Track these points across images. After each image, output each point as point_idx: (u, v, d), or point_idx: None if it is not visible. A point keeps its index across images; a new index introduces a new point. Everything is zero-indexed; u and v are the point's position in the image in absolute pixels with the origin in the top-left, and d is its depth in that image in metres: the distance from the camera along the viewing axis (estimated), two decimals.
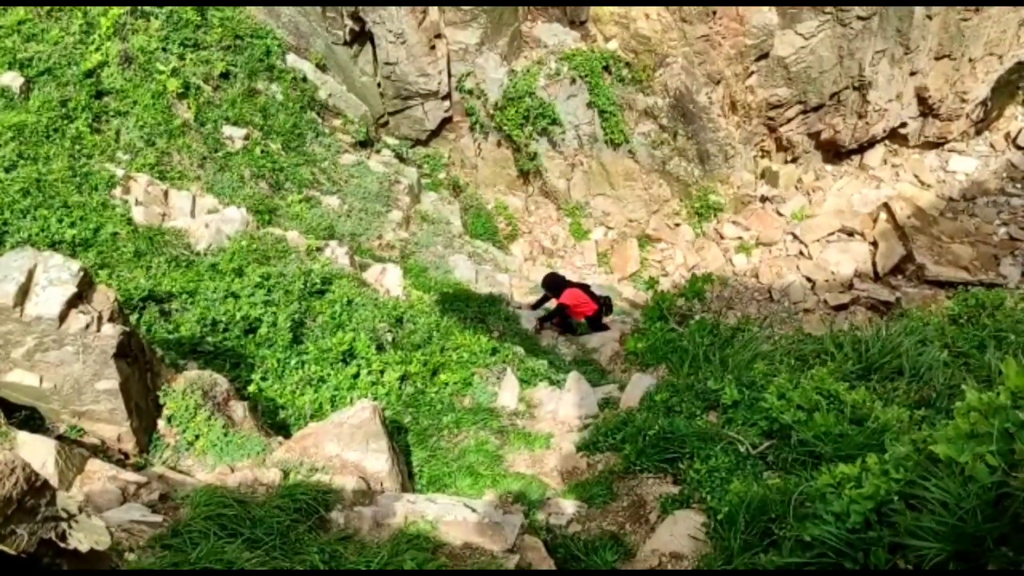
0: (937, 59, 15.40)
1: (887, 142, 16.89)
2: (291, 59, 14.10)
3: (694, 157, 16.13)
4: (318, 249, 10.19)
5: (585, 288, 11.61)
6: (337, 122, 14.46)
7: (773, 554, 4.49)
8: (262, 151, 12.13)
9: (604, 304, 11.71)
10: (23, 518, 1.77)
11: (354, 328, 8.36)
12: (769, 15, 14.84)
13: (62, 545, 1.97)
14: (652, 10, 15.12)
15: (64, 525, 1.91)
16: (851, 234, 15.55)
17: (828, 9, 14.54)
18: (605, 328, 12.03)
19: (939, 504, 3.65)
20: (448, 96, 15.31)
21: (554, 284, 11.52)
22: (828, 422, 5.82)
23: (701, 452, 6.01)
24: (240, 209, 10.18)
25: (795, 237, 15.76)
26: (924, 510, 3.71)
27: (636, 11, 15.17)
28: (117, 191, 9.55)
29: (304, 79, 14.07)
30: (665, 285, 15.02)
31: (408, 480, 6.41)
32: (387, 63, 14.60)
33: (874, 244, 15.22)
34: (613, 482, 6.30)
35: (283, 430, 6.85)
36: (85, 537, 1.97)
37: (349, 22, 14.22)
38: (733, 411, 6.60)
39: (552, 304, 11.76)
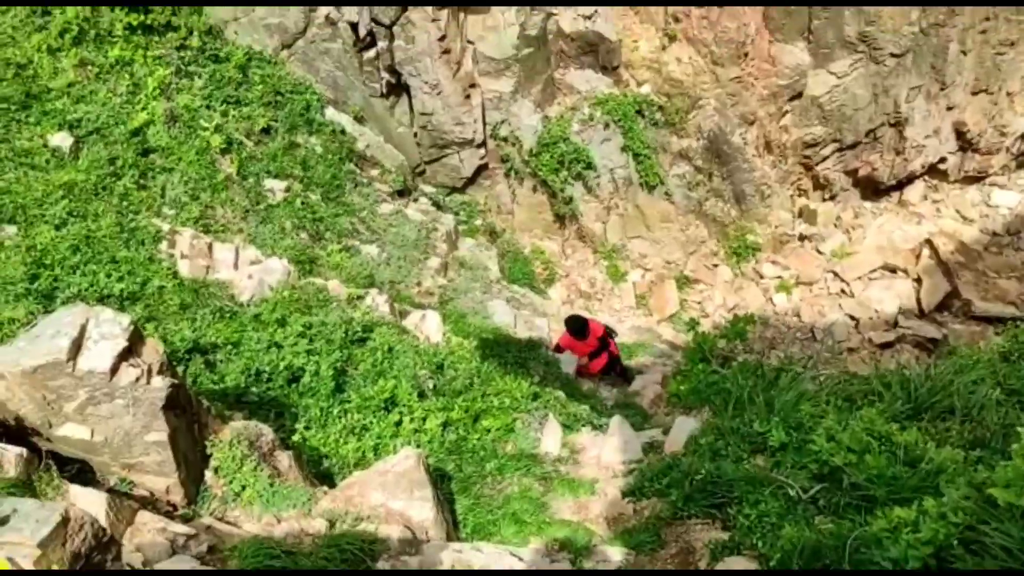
0: (974, 94, 15.29)
1: (926, 178, 16.73)
2: (330, 112, 14.41)
3: (730, 197, 16.10)
4: (358, 297, 10.29)
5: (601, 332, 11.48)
6: (375, 172, 14.69)
7: None
8: (302, 202, 12.35)
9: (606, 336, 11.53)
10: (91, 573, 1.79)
11: (395, 375, 8.39)
12: (801, 55, 14.88)
13: None
14: (683, 53, 15.24)
15: None
16: (894, 271, 15.34)
17: (861, 48, 14.54)
18: (622, 374, 12.09)
19: (1001, 549, 3.55)
20: (483, 144, 15.50)
21: (575, 327, 11.28)
22: (880, 464, 5.69)
23: (750, 496, 5.90)
24: (282, 260, 10.35)
25: (836, 275, 15.58)
26: (986, 555, 3.61)
27: (667, 55, 15.31)
28: (163, 245, 9.76)
29: (343, 131, 14.35)
30: (705, 326, 14.90)
31: (453, 528, 6.37)
32: (423, 113, 14.85)
33: (918, 281, 14.99)
34: (660, 528, 6.20)
35: (327, 479, 6.86)
36: None
37: (386, 75, 14.52)
38: (781, 454, 6.49)
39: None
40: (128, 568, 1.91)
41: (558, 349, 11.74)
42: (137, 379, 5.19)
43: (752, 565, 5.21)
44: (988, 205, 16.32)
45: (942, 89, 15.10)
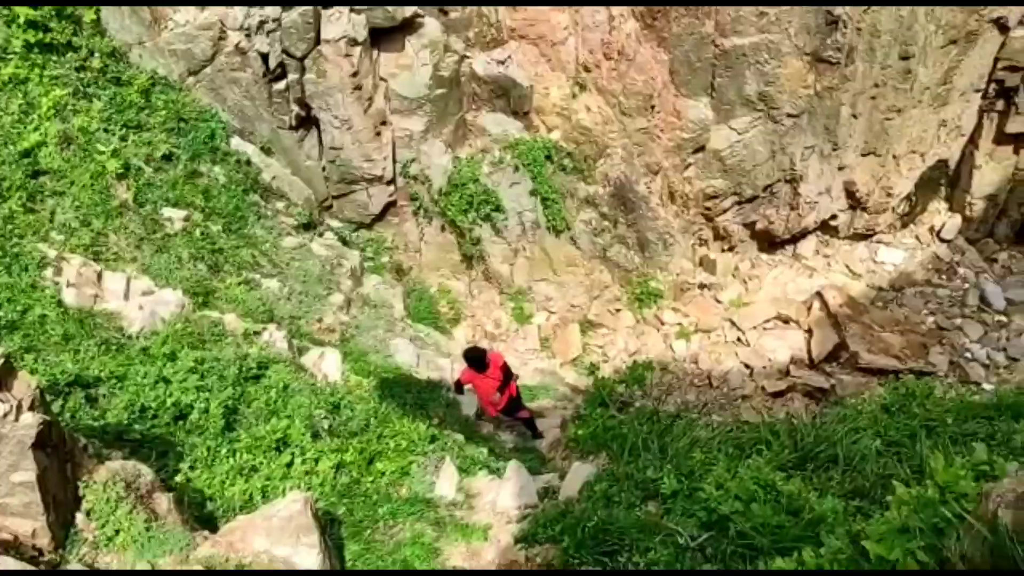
0: (864, 155, 16.10)
1: (819, 233, 17.47)
2: (235, 142, 14.10)
3: (634, 244, 16.45)
4: (255, 333, 10.02)
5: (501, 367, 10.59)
6: (280, 204, 14.42)
7: None
8: (202, 233, 11.99)
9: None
10: None
11: (289, 415, 8.17)
12: (704, 110, 15.41)
13: None
14: (593, 103, 15.59)
15: None
16: (787, 321, 15.91)
17: (760, 106, 15.17)
18: (531, 427, 11.52)
19: None
20: (393, 181, 15.44)
21: (472, 357, 10.34)
22: (765, 513, 5.83)
23: (640, 544, 5.96)
24: (176, 291, 10.01)
25: (733, 324, 16.04)
26: None
27: (577, 103, 15.63)
28: (48, 272, 9.32)
29: (248, 162, 14.05)
30: (606, 370, 15.10)
31: None
32: (332, 148, 14.71)
33: (809, 332, 15.57)
34: None
35: (210, 523, 6.58)
36: None
37: (295, 107, 14.34)
38: (672, 501, 6.58)
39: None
40: None
41: (459, 387, 11.12)
42: (5, 415, 4.91)
43: None
44: (875, 261, 17.15)
45: (834, 150, 15.86)
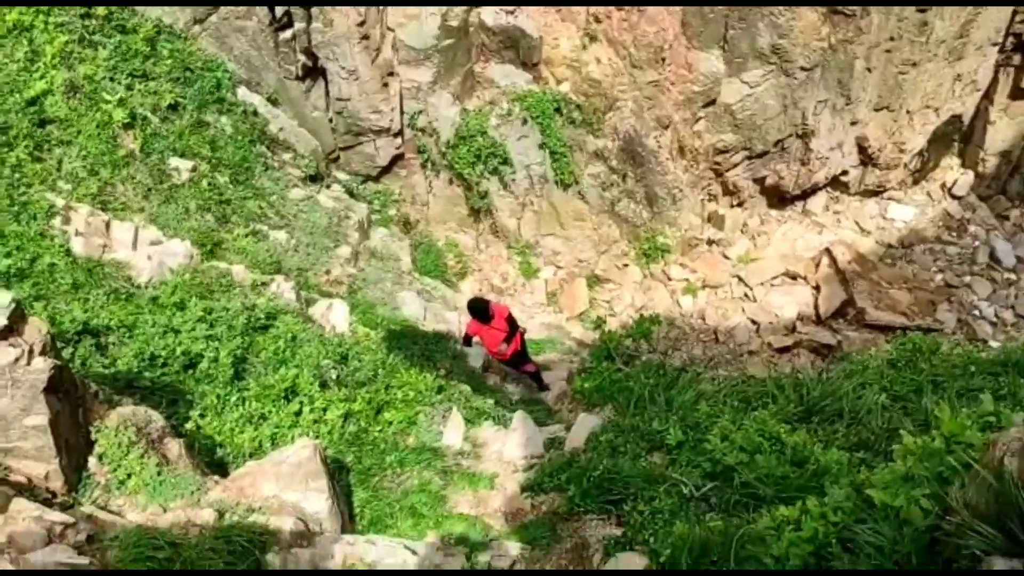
0: (876, 110, 15.91)
1: (829, 189, 17.34)
2: (242, 92, 13.99)
3: (643, 199, 16.35)
4: (263, 284, 10.04)
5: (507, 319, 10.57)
6: (287, 156, 14.35)
7: None
8: (209, 184, 11.96)
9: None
10: None
11: (298, 365, 8.23)
12: (716, 63, 15.21)
13: None
14: (603, 54, 15.39)
15: None
16: (795, 278, 15.86)
17: (773, 59, 14.96)
18: (537, 380, 11.50)
19: (874, 548, 3.69)
20: (400, 133, 15.33)
21: (476, 309, 10.37)
22: (770, 464, 5.87)
23: (645, 494, 6.02)
24: (184, 242, 10.01)
25: (740, 280, 16.01)
26: (861, 554, 3.75)
27: (587, 55, 15.43)
28: (56, 221, 9.31)
29: (255, 112, 13.95)
30: (613, 325, 15.11)
31: (349, 521, 6.28)
32: (339, 99, 14.58)
33: (817, 288, 15.54)
34: (557, 524, 6.27)
35: (220, 469, 6.67)
36: None
37: (302, 57, 14.19)
38: (677, 452, 6.63)
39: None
40: None
41: (467, 340, 11.17)
42: (17, 359, 4.95)
43: (643, 561, 5.30)
44: (885, 218, 17.03)
45: (847, 104, 15.66)
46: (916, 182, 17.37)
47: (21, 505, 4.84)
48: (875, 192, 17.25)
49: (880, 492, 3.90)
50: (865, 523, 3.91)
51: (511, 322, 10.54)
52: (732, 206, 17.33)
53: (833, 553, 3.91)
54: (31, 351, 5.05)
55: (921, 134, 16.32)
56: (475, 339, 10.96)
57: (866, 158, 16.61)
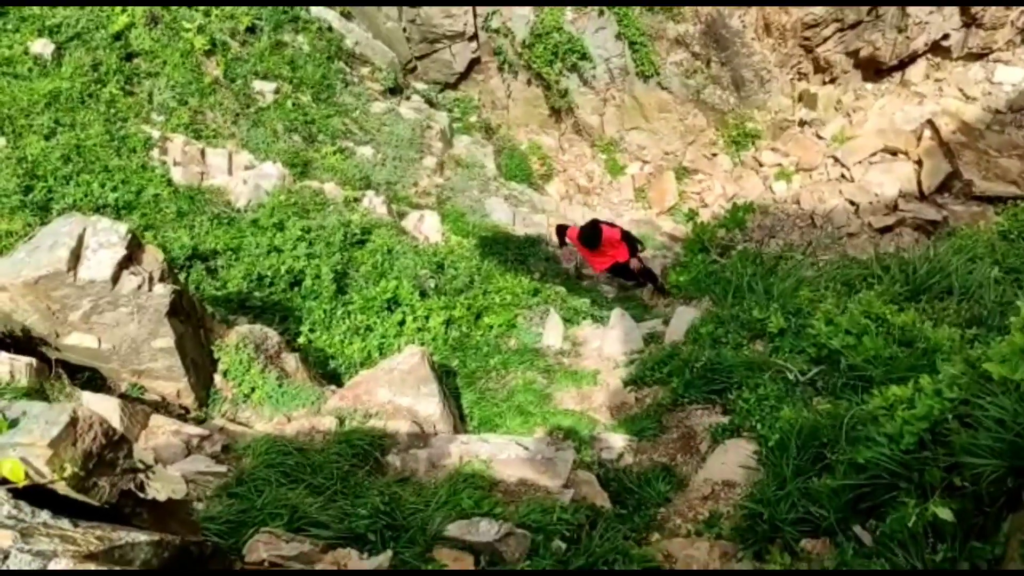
0: None
1: (929, 56, 16.29)
2: (315, 10, 13.97)
3: (729, 84, 15.76)
4: (355, 200, 10.23)
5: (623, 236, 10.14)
6: (365, 70, 14.36)
7: (827, 478, 4.52)
8: (293, 104, 12.12)
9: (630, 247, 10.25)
10: (104, 471, 1.84)
11: (396, 276, 8.43)
12: None
13: (141, 495, 2.06)
14: None
15: (142, 476, 1.99)
16: (894, 154, 15.14)
17: None
18: (635, 277, 10.81)
19: (994, 422, 3.63)
20: (475, 37, 15.09)
21: (588, 237, 9.78)
22: (877, 345, 5.77)
23: (749, 381, 6.02)
24: (276, 164, 10.24)
25: (836, 160, 15.39)
26: (980, 428, 3.69)
27: None
28: (155, 152, 9.65)
29: (329, 28, 13.95)
30: (705, 217, 14.83)
31: (460, 422, 6.52)
32: (411, 6, 14.40)
33: (919, 163, 14.81)
34: (662, 415, 6.35)
35: (334, 379, 6.99)
36: (162, 487, 2.05)
37: None
38: (780, 339, 6.57)
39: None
40: (140, 464, 1.97)
41: (561, 241, 10.67)
42: (139, 287, 5.23)
43: (751, 446, 5.35)
44: (991, 82, 15.96)
45: (934, 6, 14.60)
46: None
47: (160, 421, 5.21)
48: (980, 55, 16.13)
49: (998, 366, 3.80)
50: (983, 398, 3.84)
51: (628, 240, 10.21)
52: (824, 83, 16.53)
53: (951, 429, 3.86)
54: (151, 278, 5.33)
55: None
56: (572, 248, 10.79)
57: (969, 18, 15.49)
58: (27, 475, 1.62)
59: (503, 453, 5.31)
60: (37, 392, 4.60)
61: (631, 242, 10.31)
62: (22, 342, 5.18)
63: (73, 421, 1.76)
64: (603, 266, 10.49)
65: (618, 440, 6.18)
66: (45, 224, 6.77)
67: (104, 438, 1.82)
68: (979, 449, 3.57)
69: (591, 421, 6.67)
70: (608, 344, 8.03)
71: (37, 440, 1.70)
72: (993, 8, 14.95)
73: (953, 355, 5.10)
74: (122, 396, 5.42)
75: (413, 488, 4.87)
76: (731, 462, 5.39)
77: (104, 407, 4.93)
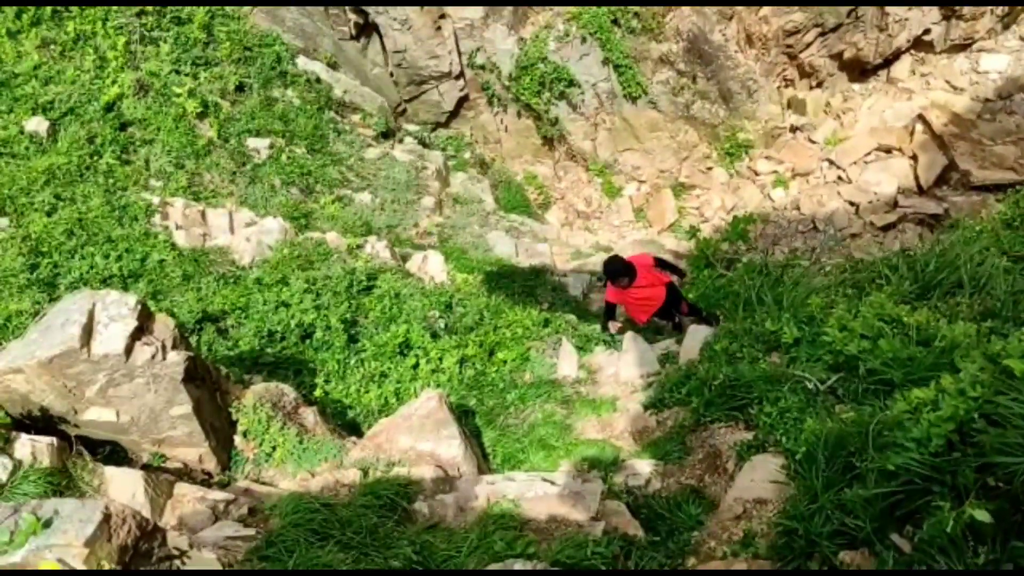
0: None
1: (912, 51, 16.39)
2: (302, 62, 14.14)
3: (717, 98, 15.87)
4: (358, 247, 10.28)
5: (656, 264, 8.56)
6: (356, 117, 14.50)
7: (858, 487, 4.47)
8: (288, 158, 12.23)
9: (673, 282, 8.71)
10: (140, 562, 1.84)
11: (406, 319, 8.44)
12: None
13: None
14: None
15: (178, 563, 1.98)
16: (889, 151, 15.19)
17: None
18: (698, 315, 8.98)
19: (1021, 419, 3.60)
20: (461, 75, 15.24)
21: (615, 271, 8.13)
22: (894, 347, 5.73)
23: (770, 395, 5.97)
24: (276, 218, 10.31)
25: (831, 163, 15.44)
26: (1008, 426, 3.66)
27: None
28: (156, 218, 9.72)
29: (317, 80, 14.11)
30: (706, 231, 14.88)
31: (483, 461, 6.48)
32: (396, 51, 14.56)
33: (914, 158, 14.85)
34: (685, 436, 6.30)
35: (354, 429, 6.97)
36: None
37: (352, 16, 14.20)
38: (795, 349, 6.54)
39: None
40: (175, 551, 1.96)
41: (609, 311, 8.68)
42: (153, 356, 5.23)
43: (779, 461, 5.30)
44: (977, 72, 16.03)
45: (909, 5, 14.74)
46: (1007, 27, 16.24)
47: (184, 489, 5.19)
48: (963, 46, 16.23)
49: (1018, 362, 3.79)
50: (1006, 395, 3.81)
51: (665, 268, 8.66)
52: (811, 88, 16.64)
53: (978, 428, 3.83)
54: (163, 346, 5.33)
55: None
56: (619, 308, 8.84)
57: (948, 11, 15.61)
58: None
59: (530, 491, 5.28)
60: (61, 472, 4.59)
61: (672, 269, 8.81)
62: (41, 422, 5.18)
63: (106, 517, 1.76)
64: (646, 314, 8.77)
65: (644, 466, 6.14)
66: (53, 301, 6.82)
67: (138, 530, 1.81)
68: (1009, 447, 3.53)
69: (615, 449, 6.63)
70: (624, 369, 8.00)
71: (72, 540, 1.70)
72: None
73: (971, 351, 5.06)
74: (144, 467, 5.40)
75: (443, 535, 4.83)
76: (760, 479, 5.33)
77: (128, 480, 4.91)
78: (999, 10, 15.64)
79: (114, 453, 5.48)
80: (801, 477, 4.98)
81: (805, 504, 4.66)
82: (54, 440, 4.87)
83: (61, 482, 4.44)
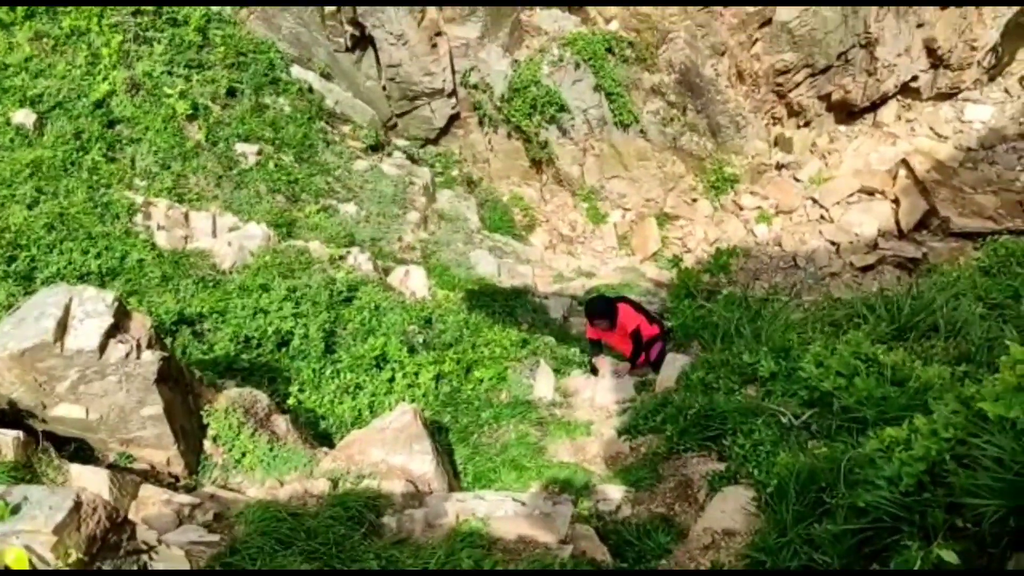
0: (943, 8, 15.20)
1: (899, 97, 16.69)
2: (295, 71, 14.14)
3: (705, 131, 16.03)
4: (340, 257, 10.24)
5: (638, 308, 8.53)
6: (346, 129, 14.50)
7: (827, 523, 4.48)
8: (275, 165, 12.19)
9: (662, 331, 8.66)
10: (108, 554, 1.81)
11: (384, 333, 8.41)
12: None
13: None
14: None
15: (145, 557, 1.95)
16: (871, 193, 15.40)
17: None
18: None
19: (993, 461, 3.63)
20: (454, 93, 15.30)
21: (592, 312, 8.13)
22: (869, 386, 5.77)
23: (744, 427, 5.99)
24: (260, 225, 10.26)
25: (815, 202, 15.63)
26: (979, 468, 3.69)
27: None
28: (138, 218, 9.64)
29: (310, 89, 14.11)
30: (688, 262, 14.94)
31: (454, 479, 6.44)
32: (390, 65, 14.61)
33: (895, 202, 15.07)
34: (658, 464, 6.30)
35: (326, 440, 6.91)
36: (166, 567, 2.00)
37: (349, 28, 14.23)
38: (771, 383, 6.57)
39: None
40: (144, 545, 1.93)
41: (594, 345, 8.60)
42: (127, 355, 5.18)
43: (750, 493, 5.31)
44: (961, 121, 16.34)
45: (911, 6, 15.01)
46: (992, 79, 16.59)
47: (150, 491, 5.11)
48: (948, 95, 16.55)
49: (992, 405, 3.82)
50: (979, 437, 3.84)
51: (636, 340, 8.27)
52: (799, 127, 16.87)
53: (949, 470, 3.85)
54: (139, 345, 5.28)
55: (993, 28, 15.54)
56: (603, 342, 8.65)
57: (936, 60, 15.92)
58: (31, 563, 1.58)
59: (500, 510, 5.24)
60: (25, 467, 4.51)
61: (639, 341, 8.35)
62: (8, 416, 5.10)
63: (77, 505, 1.73)
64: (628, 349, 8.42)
65: (615, 491, 6.12)
66: (29, 294, 6.73)
67: (108, 521, 1.78)
68: (979, 489, 3.56)
69: (586, 473, 6.61)
70: (600, 394, 8.01)
71: (41, 527, 1.67)
72: (959, 49, 15.37)
73: (944, 394, 5.10)
74: (110, 466, 5.32)
75: (410, 550, 4.78)
76: (730, 510, 5.33)
77: (94, 479, 4.82)
78: (986, 61, 15.96)
79: (80, 451, 5.39)
80: (771, 510, 4.99)
81: (774, 537, 4.67)
82: (20, 434, 4.79)
83: (24, 476, 4.36)
